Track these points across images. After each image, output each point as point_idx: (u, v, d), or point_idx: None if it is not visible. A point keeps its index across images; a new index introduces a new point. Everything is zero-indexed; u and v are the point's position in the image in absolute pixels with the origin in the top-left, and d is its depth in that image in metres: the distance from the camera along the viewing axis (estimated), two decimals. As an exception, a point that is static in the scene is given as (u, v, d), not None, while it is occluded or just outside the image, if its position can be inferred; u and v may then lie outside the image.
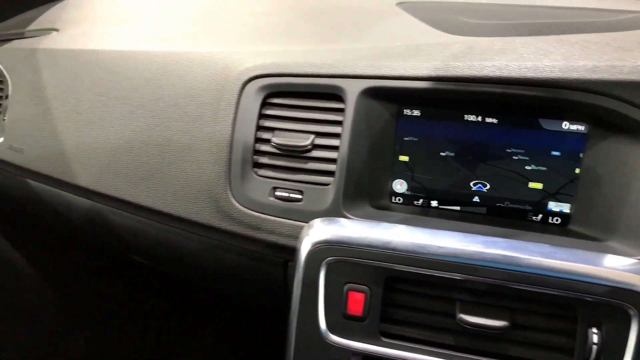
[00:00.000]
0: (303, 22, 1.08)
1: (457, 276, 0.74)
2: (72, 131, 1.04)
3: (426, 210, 0.92)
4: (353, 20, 1.06)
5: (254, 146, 0.89)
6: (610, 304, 0.70)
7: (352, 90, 0.85)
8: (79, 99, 1.04)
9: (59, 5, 1.37)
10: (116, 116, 1.00)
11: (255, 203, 0.88)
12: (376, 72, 0.84)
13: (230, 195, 0.89)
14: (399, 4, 1.12)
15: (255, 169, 0.90)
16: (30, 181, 1.13)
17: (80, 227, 1.14)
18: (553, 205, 0.86)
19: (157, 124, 0.96)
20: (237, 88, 0.90)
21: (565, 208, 0.85)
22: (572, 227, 0.85)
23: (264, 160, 0.89)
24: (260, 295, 1.02)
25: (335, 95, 0.87)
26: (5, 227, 1.49)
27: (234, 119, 0.90)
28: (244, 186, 0.89)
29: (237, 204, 0.89)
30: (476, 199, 0.89)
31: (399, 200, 0.92)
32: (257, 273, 0.95)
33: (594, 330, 0.70)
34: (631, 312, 0.69)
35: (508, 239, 0.76)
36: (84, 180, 1.03)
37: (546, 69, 0.77)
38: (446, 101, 0.86)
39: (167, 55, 0.99)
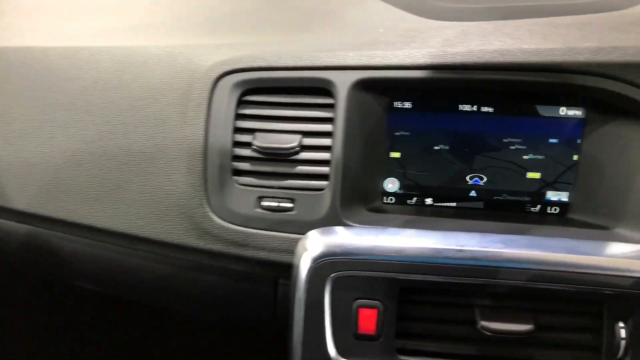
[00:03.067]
0: (268, 10, 0.98)
1: (477, 281, 0.68)
2: (1, 145, 0.87)
3: (421, 209, 0.85)
4: (320, 7, 0.97)
5: (232, 151, 0.78)
6: (635, 296, 0.67)
7: (343, 83, 0.76)
8: (7, 107, 0.87)
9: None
10: (58, 125, 0.84)
11: (239, 216, 0.77)
12: (369, 62, 0.76)
13: (208, 209, 0.78)
14: (365, -11, 1.04)
15: (235, 177, 0.79)
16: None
17: (15, 255, 0.97)
18: (551, 195, 0.83)
19: (111, 131, 0.82)
20: (207, 85, 0.79)
21: (564, 197, 0.82)
22: (571, 215, 0.82)
23: (245, 166, 0.79)
24: (244, 316, 0.91)
25: (322, 89, 0.78)
26: None
27: (207, 121, 0.78)
28: (224, 197, 0.78)
29: (217, 219, 0.77)
30: (473, 193, 0.84)
31: (391, 200, 0.85)
32: (240, 294, 0.84)
33: (621, 324, 0.67)
34: (658, 302, 0.66)
35: (527, 236, 0.71)
36: (20, 203, 0.86)
37: (549, 52, 0.73)
38: (440, 91, 0.80)
39: (117, 51, 0.85)
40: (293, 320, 0.70)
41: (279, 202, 0.77)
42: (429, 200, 0.85)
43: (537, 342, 0.69)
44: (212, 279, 0.83)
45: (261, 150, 0.77)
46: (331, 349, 0.69)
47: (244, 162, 0.79)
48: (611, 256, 0.68)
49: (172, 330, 1.08)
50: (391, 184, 0.85)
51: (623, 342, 0.67)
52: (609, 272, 0.66)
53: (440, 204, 0.85)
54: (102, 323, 1.27)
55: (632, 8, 0.84)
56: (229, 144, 0.78)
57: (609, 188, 0.78)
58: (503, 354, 0.69)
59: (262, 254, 0.77)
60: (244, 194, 0.78)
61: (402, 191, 0.85)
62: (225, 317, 0.93)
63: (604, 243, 0.70)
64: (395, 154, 0.84)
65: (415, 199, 0.85)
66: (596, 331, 0.68)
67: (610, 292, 0.67)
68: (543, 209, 0.83)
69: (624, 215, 0.76)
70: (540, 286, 0.67)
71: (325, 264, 0.69)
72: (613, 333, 0.67)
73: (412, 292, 0.70)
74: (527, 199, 0.83)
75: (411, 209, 0.85)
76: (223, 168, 0.78)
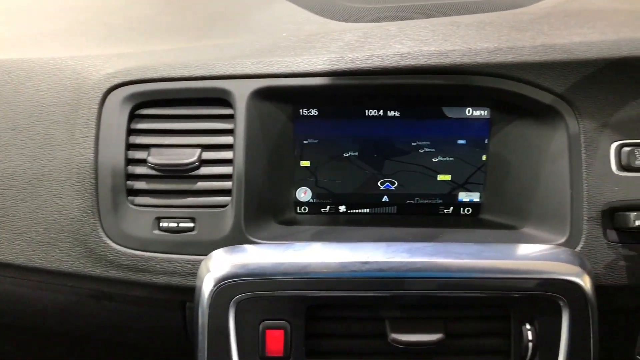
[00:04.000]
0: (166, 16, 0.93)
1: (384, 293, 0.66)
2: None
3: (335, 217, 0.83)
4: (225, 11, 0.93)
5: (126, 169, 0.73)
6: (540, 297, 0.67)
7: (241, 92, 0.72)
8: None
9: None
10: None
11: (136, 240, 0.72)
12: (267, 70, 0.72)
13: (102, 234, 0.72)
14: (272, -11, 1.00)
15: (131, 198, 0.74)
16: None
17: None
18: (463, 196, 0.82)
19: (-9, 153, 0.75)
20: (96, 100, 0.73)
21: (475, 197, 0.82)
22: (484, 216, 0.82)
23: (141, 185, 0.74)
24: (156, 342, 0.86)
25: (221, 99, 0.74)
26: None
27: (96, 139, 0.73)
28: (119, 220, 0.73)
29: (112, 243, 0.72)
30: (385, 198, 0.83)
31: (305, 210, 0.83)
32: (149, 319, 0.79)
33: (528, 327, 0.67)
34: (561, 302, 0.67)
35: (433, 243, 0.70)
36: None
37: (449, 54, 0.72)
38: (345, 97, 0.78)
39: (-4, 65, 0.78)
40: (197, 347, 0.67)
41: (179, 222, 0.72)
42: (342, 208, 0.83)
43: (448, 350, 0.68)
44: (117, 306, 0.78)
45: (157, 167, 0.72)
46: (238, 375, 0.66)
47: (140, 180, 0.74)
48: (514, 259, 0.67)
49: (80, 352, 1.01)
50: (303, 194, 0.82)
51: (530, 345, 0.67)
52: (512, 276, 0.66)
53: (353, 211, 0.83)
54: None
55: (532, 6, 0.85)
56: (121, 162, 0.72)
57: (516, 187, 0.78)
58: (415, 365, 0.68)
59: (163, 279, 0.72)
60: (140, 216, 0.73)
61: (314, 200, 0.83)
62: (137, 342, 0.88)
63: (508, 246, 0.70)
64: (305, 163, 0.81)
65: (328, 207, 0.83)
66: (504, 335, 0.68)
67: (516, 295, 0.67)
68: (456, 211, 0.83)
69: (530, 215, 0.77)
70: (447, 294, 0.66)
71: (229, 286, 0.66)
72: (520, 336, 0.67)
73: (319, 308, 0.67)
74: (439, 201, 0.83)
75: (325, 218, 0.83)
76: (116, 188, 0.72)
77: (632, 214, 0.68)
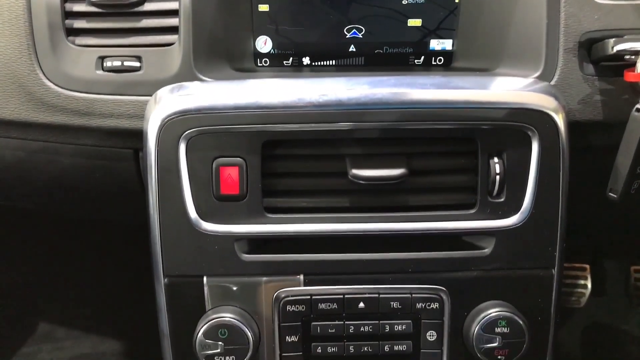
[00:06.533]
0: None
1: (344, 126, 0.62)
2: None
3: (298, 70, 0.78)
4: None
5: (64, 6, 0.67)
6: (510, 129, 0.63)
7: None
8: None
9: None
10: None
11: (79, 81, 0.67)
12: None
13: (41, 75, 0.67)
14: None
15: (71, 38, 0.68)
16: None
17: None
18: (435, 44, 0.77)
19: None
20: None
21: (448, 45, 0.77)
22: (457, 64, 0.77)
23: (82, 24, 0.68)
24: (113, 204, 0.83)
25: None
26: None
27: None
28: (60, 61, 0.67)
29: (52, 85, 0.67)
30: (352, 48, 0.77)
31: (266, 62, 0.77)
32: (102, 176, 0.75)
33: (496, 160, 0.64)
34: (531, 133, 0.63)
35: (396, 76, 0.65)
36: None
37: None
38: None
39: None
40: (148, 189, 0.63)
41: (124, 61, 0.67)
42: (306, 60, 0.78)
43: (411, 188, 0.65)
44: (65, 161, 0.74)
45: (97, 2, 0.66)
46: (192, 212, 0.63)
47: (80, 19, 0.68)
48: (483, 89, 0.63)
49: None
50: (263, 43, 0.77)
51: (497, 177, 0.64)
52: (480, 105, 0.62)
53: (318, 63, 0.78)
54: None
55: None
56: None
57: (490, 27, 0.73)
58: (377, 203, 0.65)
59: (110, 122, 0.68)
60: (82, 55, 0.67)
61: (276, 51, 0.77)
62: (90, 209, 0.84)
63: (477, 77, 0.66)
64: (264, 7, 0.75)
65: (291, 59, 0.78)
66: (471, 171, 0.65)
67: (483, 127, 0.63)
68: (427, 60, 0.78)
69: (504, 54, 0.72)
70: (410, 126, 0.63)
71: (176, 121, 0.61)
72: (488, 170, 0.64)
73: (276, 145, 0.64)
74: (410, 50, 0.77)
75: (287, 70, 0.77)
76: (53, 27, 0.66)
77: (612, 40, 0.63)
